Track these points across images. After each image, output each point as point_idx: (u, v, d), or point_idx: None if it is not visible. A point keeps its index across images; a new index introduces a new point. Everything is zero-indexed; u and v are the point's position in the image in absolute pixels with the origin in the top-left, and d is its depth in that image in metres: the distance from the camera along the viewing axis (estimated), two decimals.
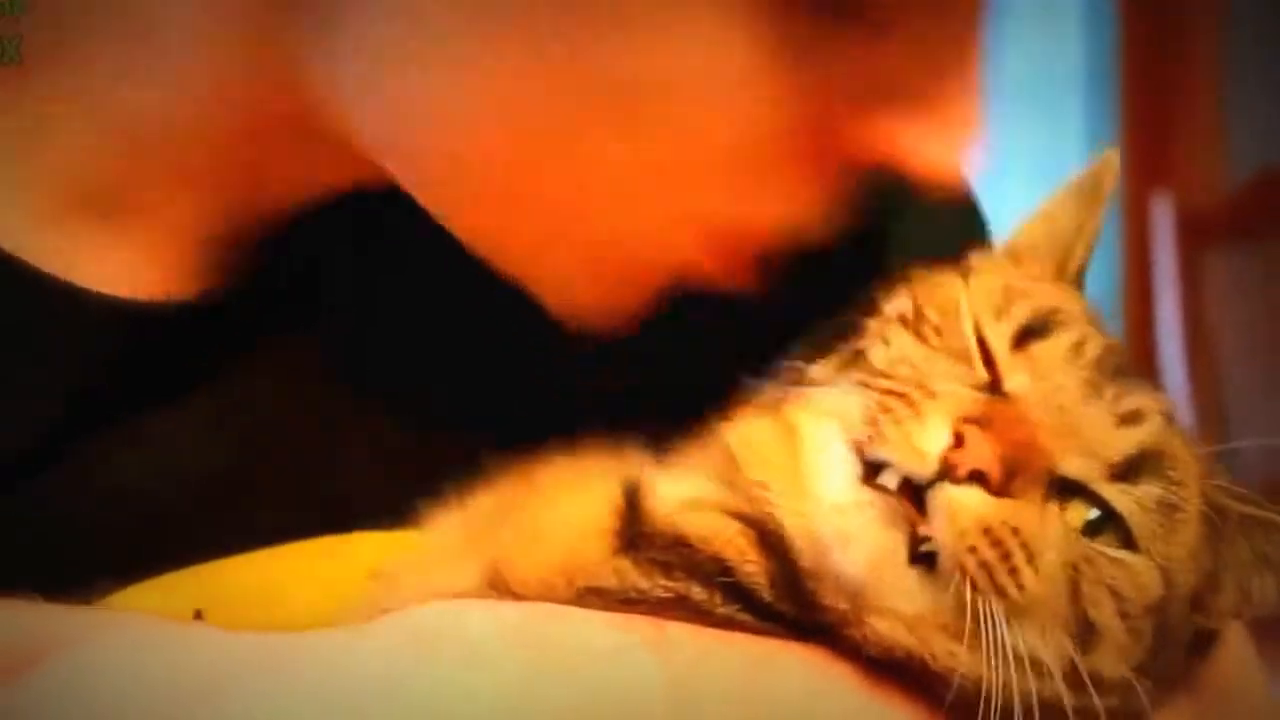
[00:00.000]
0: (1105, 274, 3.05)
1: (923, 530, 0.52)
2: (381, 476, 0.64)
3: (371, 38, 0.54)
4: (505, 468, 0.59)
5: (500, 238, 0.58)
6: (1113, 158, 0.64)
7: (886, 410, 0.53)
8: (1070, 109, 2.99)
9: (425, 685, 0.48)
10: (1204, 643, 0.59)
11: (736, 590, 0.54)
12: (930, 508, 0.52)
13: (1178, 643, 0.56)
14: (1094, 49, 3.00)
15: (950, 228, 0.68)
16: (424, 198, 0.58)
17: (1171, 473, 0.55)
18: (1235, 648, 0.65)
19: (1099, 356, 0.57)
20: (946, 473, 0.52)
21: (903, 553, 0.52)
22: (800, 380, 0.58)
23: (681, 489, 0.57)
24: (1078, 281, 0.63)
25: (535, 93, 0.53)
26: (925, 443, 0.52)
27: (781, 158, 0.55)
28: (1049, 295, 0.60)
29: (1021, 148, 2.80)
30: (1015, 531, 0.51)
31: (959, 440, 0.52)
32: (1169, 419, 0.57)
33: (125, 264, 0.61)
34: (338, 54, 0.55)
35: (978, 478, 0.52)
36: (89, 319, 0.59)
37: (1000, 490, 0.52)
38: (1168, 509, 0.55)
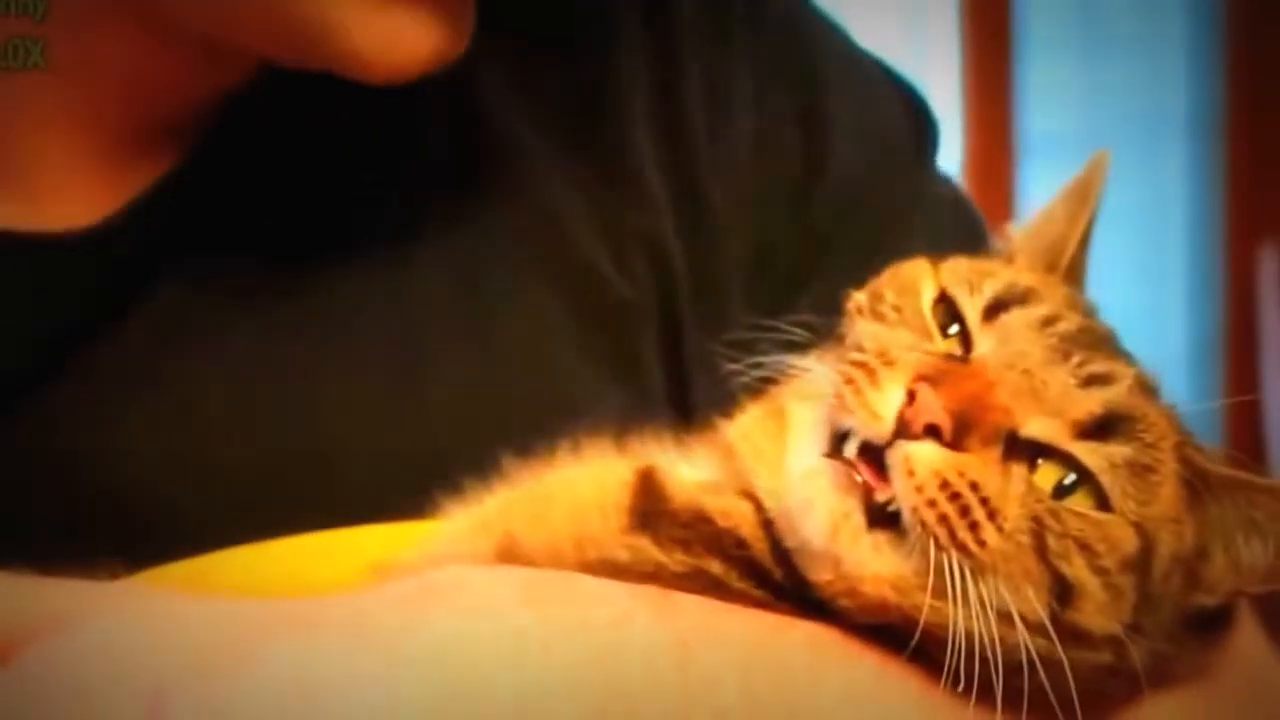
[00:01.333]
0: (1207, 326, 3.00)
1: (880, 495, 0.54)
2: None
3: None
4: (522, 466, 0.61)
5: None
6: (1103, 157, 0.66)
7: (849, 381, 0.55)
8: (1172, 157, 2.96)
9: (434, 635, 0.50)
10: (1209, 624, 0.59)
11: (752, 566, 0.57)
12: (889, 465, 0.54)
13: (1172, 609, 0.57)
14: (1199, 94, 2.96)
15: (953, 242, 0.70)
16: None
17: (1143, 434, 0.56)
18: (1250, 637, 0.65)
19: (1073, 332, 0.58)
20: (902, 431, 0.54)
21: (858, 517, 0.54)
22: (793, 372, 0.60)
23: (698, 473, 0.60)
24: (1072, 279, 0.65)
25: None
26: (881, 406, 0.54)
27: None
28: (1028, 279, 0.61)
29: (1123, 196, 2.77)
30: (974, 486, 0.53)
31: (911, 398, 0.54)
32: (1142, 385, 0.58)
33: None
34: None
35: (932, 432, 0.54)
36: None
37: (955, 444, 0.54)
38: (1140, 469, 0.56)
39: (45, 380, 0.64)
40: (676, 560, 0.56)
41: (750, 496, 0.58)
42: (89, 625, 0.49)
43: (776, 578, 0.57)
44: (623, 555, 0.56)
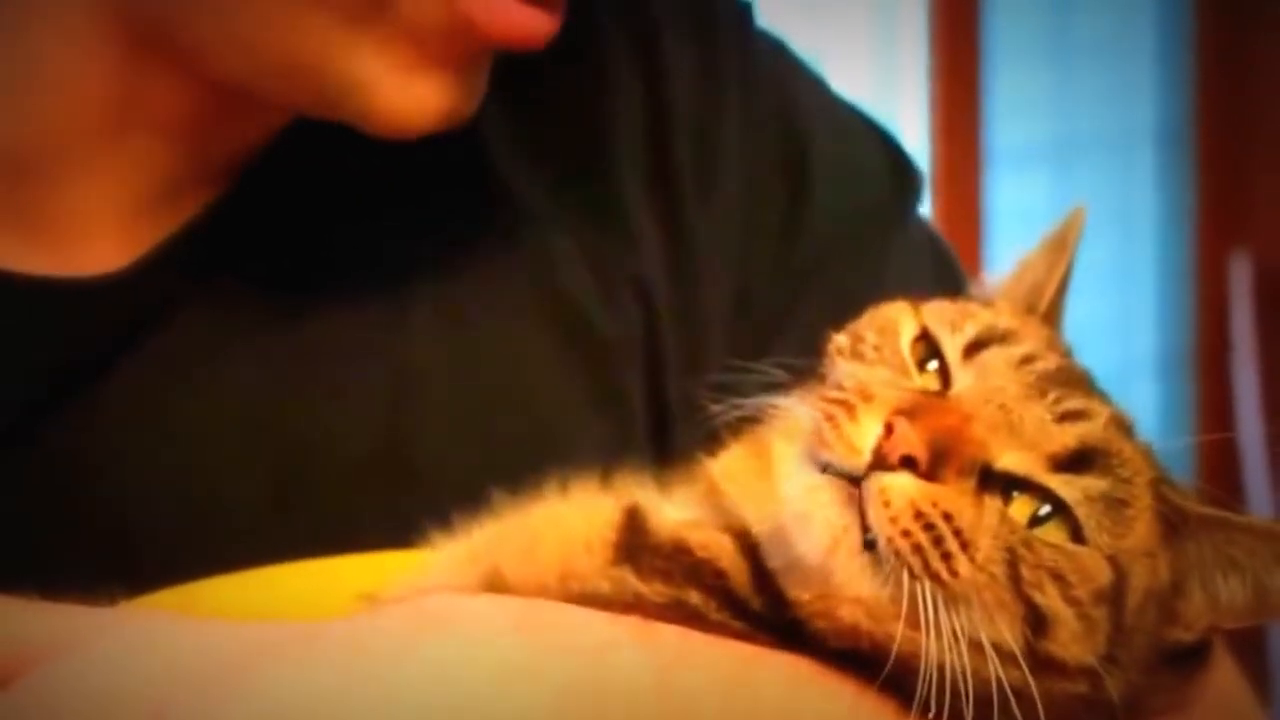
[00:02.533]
0: (1177, 332, 3.01)
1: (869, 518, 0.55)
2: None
3: None
4: (510, 501, 0.63)
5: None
6: (1080, 212, 0.68)
7: (829, 417, 0.56)
8: (1143, 165, 2.97)
9: (429, 660, 0.51)
10: (1187, 658, 0.60)
11: (730, 598, 0.58)
12: (865, 495, 0.55)
13: (1147, 642, 0.58)
14: (1168, 104, 2.98)
15: (930, 289, 0.71)
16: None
17: (1119, 469, 0.57)
18: (1226, 673, 0.66)
19: (1051, 371, 0.59)
20: (879, 463, 0.55)
21: (856, 534, 0.55)
22: (774, 411, 0.62)
23: (681, 512, 0.61)
24: (1049, 322, 0.66)
25: None
26: (859, 439, 0.56)
27: None
28: (1008, 321, 0.63)
29: (1093, 204, 2.78)
30: (948, 517, 0.54)
31: (889, 431, 0.55)
32: (1118, 422, 0.59)
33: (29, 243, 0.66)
34: None
35: (908, 463, 0.55)
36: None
37: (930, 475, 0.55)
38: (1115, 503, 0.57)
39: (59, 411, 0.66)
40: (656, 591, 0.57)
41: (730, 530, 0.59)
42: (91, 649, 0.50)
43: (755, 608, 0.57)
44: (604, 586, 0.57)
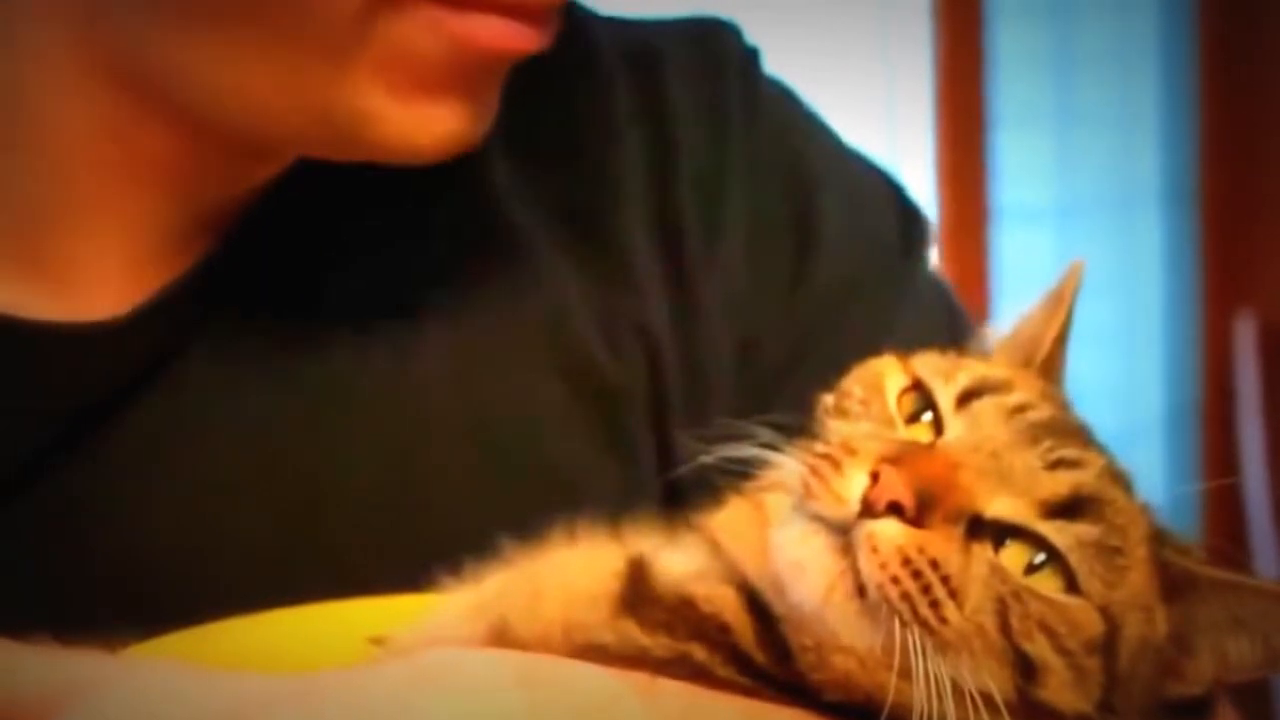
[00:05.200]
0: (1184, 393, 3.01)
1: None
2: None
3: None
4: (519, 550, 0.63)
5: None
6: (1078, 266, 0.68)
7: (814, 472, 0.57)
8: (1148, 225, 2.98)
9: (428, 715, 0.52)
10: (1190, 710, 0.60)
11: (735, 653, 0.57)
12: (854, 544, 0.55)
13: (1145, 691, 0.58)
14: (1172, 165, 2.99)
15: (937, 342, 0.72)
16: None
17: (1112, 517, 0.57)
18: None
19: (1044, 420, 0.59)
20: (867, 511, 0.55)
21: (850, 580, 0.55)
22: (767, 467, 0.62)
23: (687, 562, 0.61)
24: (1048, 375, 0.66)
25: None
26: (846, 490, 0.56)
27: None
28: (1002, 372, 0.63)
29: (1098, 265, 2.79)
30: (935, 565, 0.54)
31: (874, 479, 0.56)
32: (1112, 474, 0.59)
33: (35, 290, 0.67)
34: None
35: (895, 509, 0.55)
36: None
37: (918, 522, 0.55)
38: (1109, 551, 0.57)
39: (68, 455, 0.66)
40: (660, 644, 0.57)
41: (734, 584, 0.59)
42: (100, 697, 0.51)
43: (759, 662, 0.57)
44: (609, 638, 0.57)
